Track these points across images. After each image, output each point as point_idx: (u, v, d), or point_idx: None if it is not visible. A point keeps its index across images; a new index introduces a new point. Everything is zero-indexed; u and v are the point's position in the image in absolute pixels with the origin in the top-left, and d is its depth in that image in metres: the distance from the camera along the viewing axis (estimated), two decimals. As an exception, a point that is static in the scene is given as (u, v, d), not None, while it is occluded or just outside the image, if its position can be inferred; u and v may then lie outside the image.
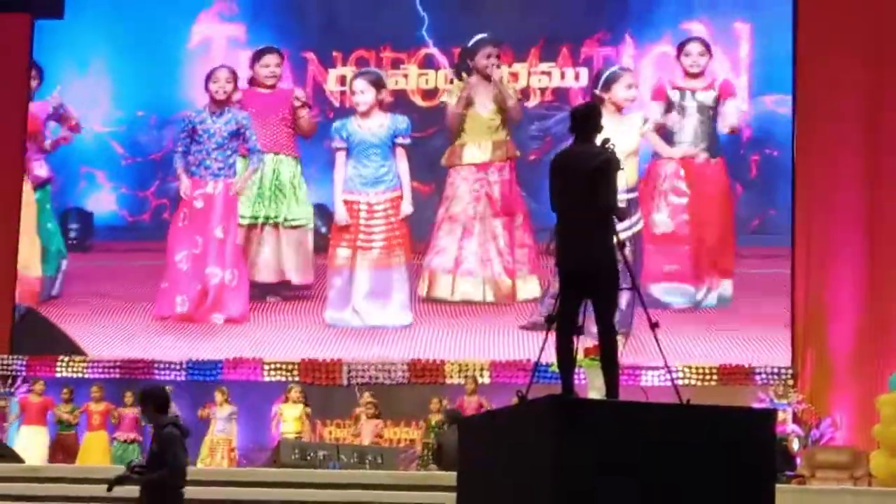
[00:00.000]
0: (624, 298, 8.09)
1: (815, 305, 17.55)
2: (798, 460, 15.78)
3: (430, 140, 13.32)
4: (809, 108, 17.75)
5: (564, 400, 7.02)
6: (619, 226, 7.83)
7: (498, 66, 12.81)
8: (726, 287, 16.19)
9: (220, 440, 17.17)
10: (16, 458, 16.20)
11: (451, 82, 13.70)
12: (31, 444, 17.23)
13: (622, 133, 12.35)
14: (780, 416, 16.21)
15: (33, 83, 16.15)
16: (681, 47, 13.86)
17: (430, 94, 13.50)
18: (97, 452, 17.35)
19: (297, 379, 18.07)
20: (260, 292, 15.79)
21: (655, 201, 15.32)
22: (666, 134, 14.62)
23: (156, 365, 18.63)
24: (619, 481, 6.53)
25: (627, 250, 7.62)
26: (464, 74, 13.19)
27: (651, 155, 15.45)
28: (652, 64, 13.45)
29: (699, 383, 17.39)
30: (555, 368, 7.66)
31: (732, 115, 14.76)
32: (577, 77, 13.32)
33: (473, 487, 7.64)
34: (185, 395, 18.40)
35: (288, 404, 17.07)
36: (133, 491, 9.03)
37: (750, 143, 14.77)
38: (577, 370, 7.91)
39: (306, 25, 13.67)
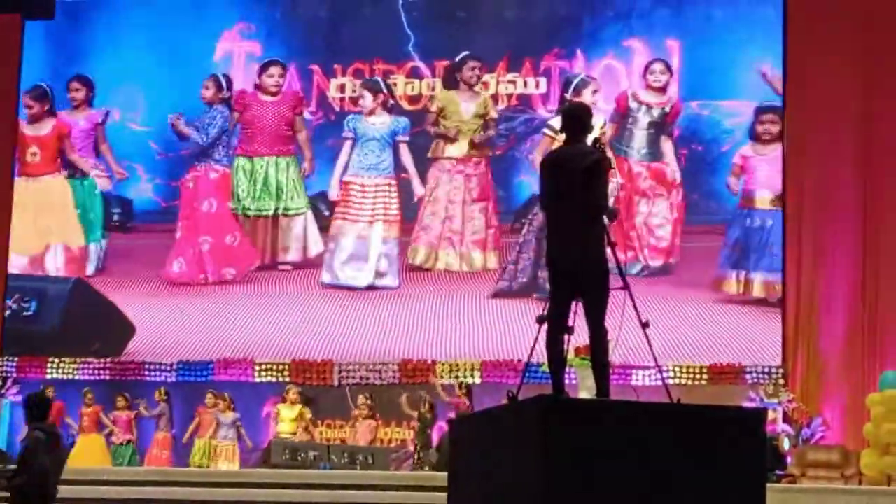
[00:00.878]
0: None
1: (806, 304, 17.56)
2: (788, 459, 15.78)
3: (414, 138, 16.05)
4: (800, 102, 17.82)
5: (555, 400, 7.01)
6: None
7: (479, 78, 15.58)
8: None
9: (224, 447, 17.08)
10: (7, 461, 16.20)
11: (433, 89, 16.43)
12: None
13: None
14: (771, 415, 16.22)
15: (79, 94, 17.91)
16: (648, 66, 16.23)
17: (415, 99, 16.18)
18: (95, 455, 17.33)
19: (287, 379, 18.14)
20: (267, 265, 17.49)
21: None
22: (618, 139, 16.64)
23: (146, 366, 18.68)
24: (609, 481, 6.52)
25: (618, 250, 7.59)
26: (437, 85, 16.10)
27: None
28: (598, 75, 16.04)
29: (690, 382, 17.40)
30: (545, 368, 7.66)
31: (674, 126, 16.78)
32: (537, 85, 15.96)
33: (464, 487, 7.62)
34: (177, 395, 18.41)
35: (285, 405, 17.09)
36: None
37: (678, 140, 16.74)
38: (567, 370, 7.90)
39: (312, 43, 16.33)
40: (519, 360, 17.40)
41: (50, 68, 18.05)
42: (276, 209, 16.99)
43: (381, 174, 15.90)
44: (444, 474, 8.26)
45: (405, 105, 16.32)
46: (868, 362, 17.06)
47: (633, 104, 16.32)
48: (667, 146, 16.55)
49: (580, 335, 7.66)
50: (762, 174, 17.17)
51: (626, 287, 7.47)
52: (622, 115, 16.29)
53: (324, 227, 16.93)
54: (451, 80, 15.77)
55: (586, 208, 7.40)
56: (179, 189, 17.62)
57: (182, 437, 17.68)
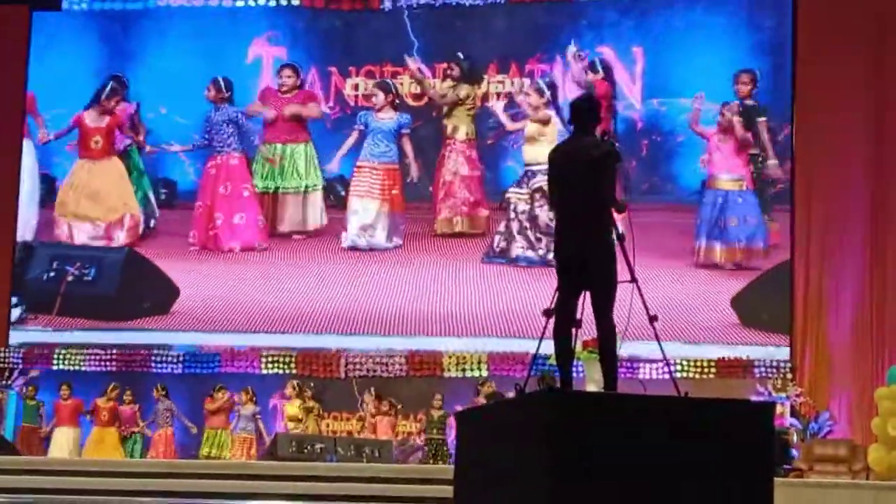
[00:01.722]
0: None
1: (814, 299, 17.54)
2: (796, 453, 15.76)
3: (418, 130, 18.46)
4: (808, 104, 17.85)
5: (562, 392, 6.99)
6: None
7: (474, 76, 18.23)
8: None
9: (242, 438, 17.29)
10: (13, 451, 16.23)
11: (444, 79, 18.84)
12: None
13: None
14: (779, 409, 16.22)
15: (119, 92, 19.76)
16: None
17: (418, 97, 18.69)
18: (108, 447, 17.44)
19: (294, 371, 18.26)
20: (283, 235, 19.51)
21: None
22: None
23: (153, 357, 18.91)
24: (616, 474, 6.50)
25: (627, 243, 7.53)
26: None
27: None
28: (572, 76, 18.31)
29: (697, 376, 17.41)
30: (553, 361, 7.63)
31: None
32: (522, 86, 18.33)
33: (471, 481, 7.60)
34: (183, 387, 18.48)
35: (289, 402, 17.22)
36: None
37: (640, 132, 18.62)
38: (575, 363, 7.88)
39: (330, 48, 18.83)
40: (526, 353, 17.55)
41: (105, 68, 19.90)
42: (297, 187, 19.23)
43: (388, 161, 18.40)
44: (450, 468, 8.24)
45: (410, 102, 18.74)
46: (876, 357, 17.05)
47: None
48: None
49: (588, 328, 7.64)
50: (720, 158, 18.17)
51: (633, 280, 7.44)
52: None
53: (340, 204, 19.22)
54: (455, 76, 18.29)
55: (594, 201, 7.37)
56: (202, 173, 19.62)
57: (193, 429, 17.80)
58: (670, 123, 17.88)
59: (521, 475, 6.76)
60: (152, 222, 19.56)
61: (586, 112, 7.66)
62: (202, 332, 18.92)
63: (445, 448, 16.40)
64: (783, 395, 16.91)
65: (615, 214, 7.48)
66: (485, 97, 18.73)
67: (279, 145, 19.25)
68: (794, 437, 16.26)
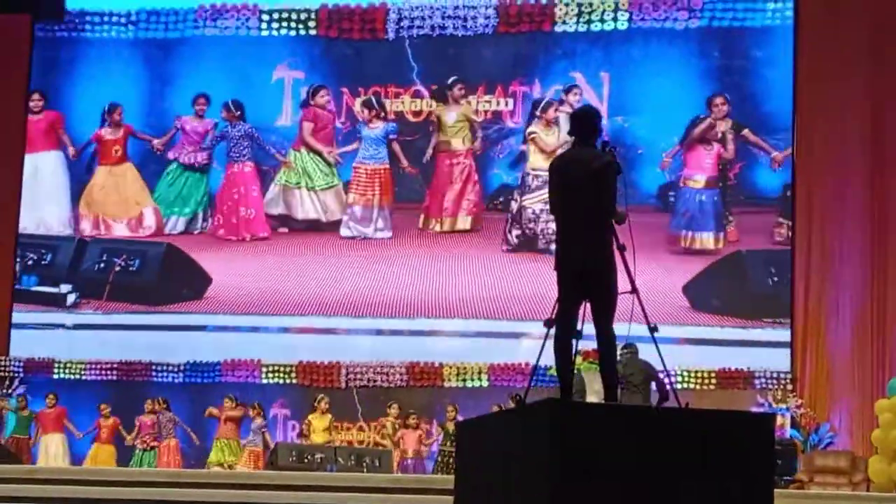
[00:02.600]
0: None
1: (815, 310, 17.56)
2: (797, 465, 15.77)
3: (416, 142, 20.46)
4: (808, 110, 17.89)
5: (562, 403, 7.00)
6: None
7: (465, 96, 20.57)
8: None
9: (249, 451, 17.38)
10: (13, 460, 16.23)
11: (431, 106, 20.98)
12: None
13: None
14: (779, 420, 16.22)
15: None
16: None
17: (417, 113, 20.59)
18: (104, 465, 17.47)
19: (294, 381, 18.37)
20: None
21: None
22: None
23: (154, 367, 19.07)
24: (616, 486, 6.50)
25: (627, 254, 7.54)
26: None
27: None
28: (549, 96, 20.30)
29: (698, 387, 17.43)
30: (553, 372, 7.63)
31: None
32: (506, 104, 20.38)
33: (471, 491, 7.60)
34: (184, 397, 18.53)
35: (316, 414, 17.27)
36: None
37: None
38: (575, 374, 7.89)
39: (342, 71, 20.91)
40: (526, 364, 17.69)
41: (136, 87, 21.48)
42: (321, 185, 21.30)
43: (378, 162, 20.67)
44: (451, 478, 8.24)
45: (410, 118, 20.71)
46: (876, 368, 17.06)
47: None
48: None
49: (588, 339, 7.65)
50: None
51: (634, 291, 7.44)
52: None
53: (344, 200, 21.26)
54: (442, 96, 20.76)
55: (595, 211, 7.38)
56: (223, 176, 21.28)
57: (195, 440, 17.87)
58: (632, 137, 19.42)
59: (522, 485, 6.76)
60: (200, 220, 21.29)
61: (587, 123, 7.67)
62: (232, 314, 20.06)
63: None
64: (784, 406, 16.92)
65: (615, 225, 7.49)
66: (475, 114, 20.84)
67: (303, 151, 21.26)
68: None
